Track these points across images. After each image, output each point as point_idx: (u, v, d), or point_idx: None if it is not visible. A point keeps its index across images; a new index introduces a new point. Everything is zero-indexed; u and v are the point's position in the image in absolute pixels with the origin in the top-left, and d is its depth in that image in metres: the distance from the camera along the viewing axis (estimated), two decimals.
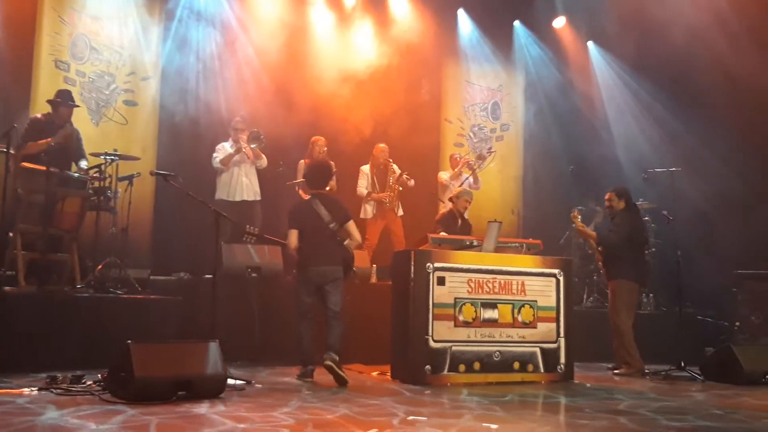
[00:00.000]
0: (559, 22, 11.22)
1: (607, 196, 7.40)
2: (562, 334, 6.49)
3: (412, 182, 8.82)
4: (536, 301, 6.46)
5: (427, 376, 5.91)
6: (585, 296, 9.22)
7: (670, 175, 8.14)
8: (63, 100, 6.88)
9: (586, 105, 11.09)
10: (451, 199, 8.20)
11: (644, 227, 7.40)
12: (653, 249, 8.94)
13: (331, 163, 8.54)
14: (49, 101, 6.94)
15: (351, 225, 6.20)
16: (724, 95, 9.04)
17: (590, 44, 11.38)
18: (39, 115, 6.96)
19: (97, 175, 7.00)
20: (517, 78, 11.34)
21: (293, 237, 6.05)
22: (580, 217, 7.40)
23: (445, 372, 6.00)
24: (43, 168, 6.25)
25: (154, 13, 8.97)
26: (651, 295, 9.02)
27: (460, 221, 8.00)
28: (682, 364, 6.90)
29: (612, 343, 7.17)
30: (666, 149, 9.69)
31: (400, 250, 7.32)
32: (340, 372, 5.74)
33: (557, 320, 6.51)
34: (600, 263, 7.63)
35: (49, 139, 6.37)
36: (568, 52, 11.31)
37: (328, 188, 8.25)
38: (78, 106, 7.18)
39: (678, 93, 9.66)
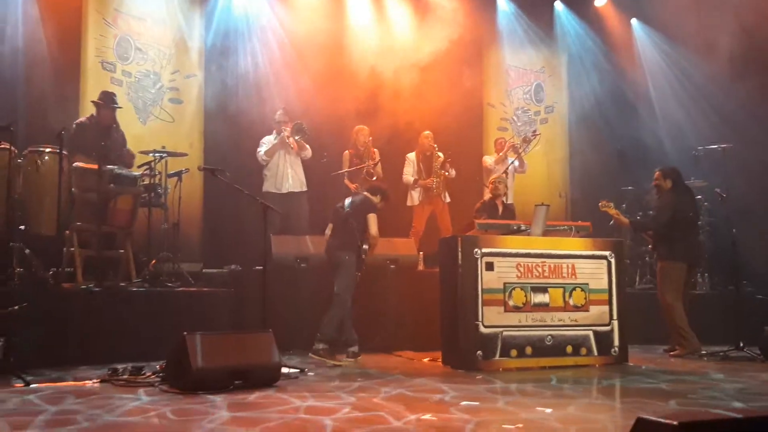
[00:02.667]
0: (601, 0, 11.00)
1: (655, 175, 7.26)
2: (615, 316, 6.40)
3: (453, 173, 8.77)
4: (588, 283, 6.37)
5: (479, 361, 5.90)
6: (638, 278, 9.07)
7: (721, 152, 7.94)
8: (105, 102, 7.04)
9: (631, 84, 10.86)
10: (489, 189, 8.13)
11: (694, 206, 7.19)
12: (707, 228, 8.74)
13: (376, 150, 8.60)
14: (93, 102, 7.10)
15: (369, 217, 6.53)
16: None
17: (634, 21, 11.13)
18: (84, 119, 7.13)
19: (147, 172, 7.15)
20: (560, 59, 11.16)
21: (327, 230, 6.76)
22: (612, 204, 7.20)
23: (497, 357, 5.98)
24: (95, 167, 6.42)
25: (195, 11, 9.08)
26: (706, 274, 8.82)
27: (501, 208, 7.92)
28: (741, 345, 6.74)
29: (666, 324, 7.04)
30: (717, 126, 9.43)
31: (447, 236, 7.30)
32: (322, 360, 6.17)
33: (610, 303, 6.41)
34: (650, 246, 7.49)
35: (96, 166, 6.48)
36: (611, 30, 11.09)
37: (374, 179, 8.38)
38: (119, 107, 7.30)
39: (726, 67, 9.38)
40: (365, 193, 6.78)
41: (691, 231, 7.14)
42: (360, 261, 6.47)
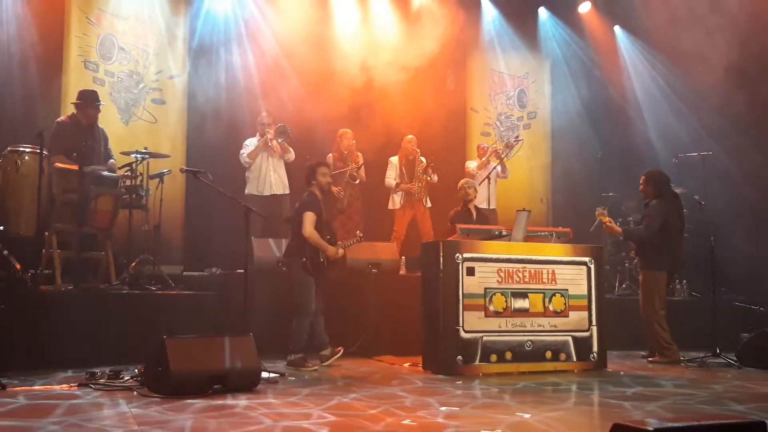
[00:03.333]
0: (585, 7, 11.09)
1: (641, 180, 7.31)
2: (594, 322, 6.45)
3: (435, 178, 8.80)
4: (567, 289, 6.42)
5: (459, 366, 5.92)
6: (617, 284, 9.14)
7: (701, 160, 8.03)
8: (89, 101, 6.97)
9: (614, 90, 10.97)
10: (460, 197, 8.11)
11: (680, 212, 7.24)
12: (686, 235, 8.84)
13: (359, 154, 8.62)
14: (74, 104, 7.03)
15: (303, 216, 6.32)
16: (758, 77, 8.87)
17: (617, 28, 11.23)
18: (65, 118, 7.05)
19: (128, 173, 7.10)
20: (543, 65, 11.24)
21: None
22: (606, 211, 7.25)
23: (477, 362, 6.00)
24: (76, 168, 6.37)
25: (179, 12, 9.04)
26: (684, 281, 8.91)
27: (475, 214, 7.93)
28: (718, 351, 6.82)
29: (646, 333, 7.10)
30: (697, 133, 9.55)
31: (429, 241, 7.31)
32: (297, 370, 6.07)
33: (589, 308, 6.46)
34: (634, 252, 7.53)
35: (77, 166, 6.39)
36: (594, 37, 11.18)
37: (357, 182, 8.42)
38: (103, 104, 7.23)
39: (707, 75, 9.49)
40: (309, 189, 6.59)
41: (677, 239, 7.16)
42: (309, 264, 6.25)
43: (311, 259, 6.26)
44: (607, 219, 7.11)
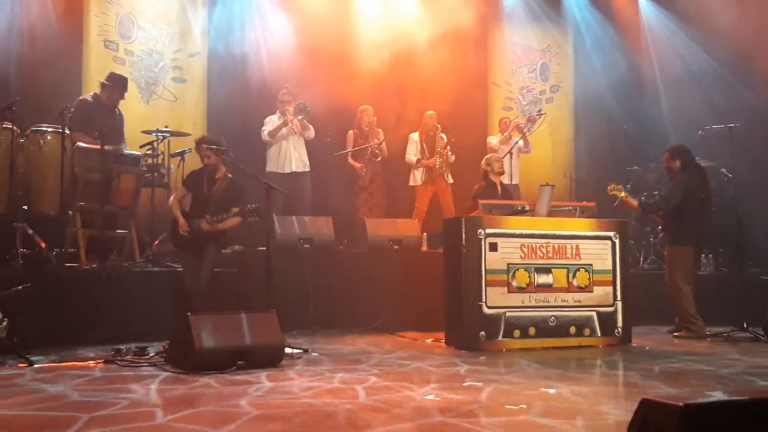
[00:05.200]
0: None
1: (664, 157, 7.19)
2: (618, 297, 6.38)
3: (453, 158, 8.73)
4: (592, 264, 6.34)
5: (482, 342, 5.89)
6: (642, 258, 9.05)
7: (728, 132, 7.85)
8: (118, 86, 6.96)
9: (638, 62, 10.76)
10: (485, 171, 7.95)
11: (705, 186, 7.12)
12: (713, 208, 8.70)
13: (380, 130, 8.57)
14: (104, 83, 7.01)
15: None
16: None
17: None
18: (87, 97, 7.07)
19: (150, 152, 7.12)
20: (566, 37, 11.04)
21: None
22: (620, 186, 7.11)
23: (500, 338, 5.97)
24: (98, 147, 6.39)
25: None
26: (710, 255, 8.78)
27: (500, 189, 7.83)
28: (745, 325, 6.73)
29: (671, 306, 7.03)
30: (723, 105, 9.34)
31: (451, 217, 7.26)
32: None
33: (614, 283, 6.39)
34: (660, 227, 7.43)
35: (98, 145, 6.40)
36: (618, 7, 10.96)
37: (379, 159, 8.38)
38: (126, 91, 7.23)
39: (734, 45, 9.27)
40: None
41: (702, 213, 7.03)
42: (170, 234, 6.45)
43: (171, 229, 6.39)
44: (622, 194, 7.00)
